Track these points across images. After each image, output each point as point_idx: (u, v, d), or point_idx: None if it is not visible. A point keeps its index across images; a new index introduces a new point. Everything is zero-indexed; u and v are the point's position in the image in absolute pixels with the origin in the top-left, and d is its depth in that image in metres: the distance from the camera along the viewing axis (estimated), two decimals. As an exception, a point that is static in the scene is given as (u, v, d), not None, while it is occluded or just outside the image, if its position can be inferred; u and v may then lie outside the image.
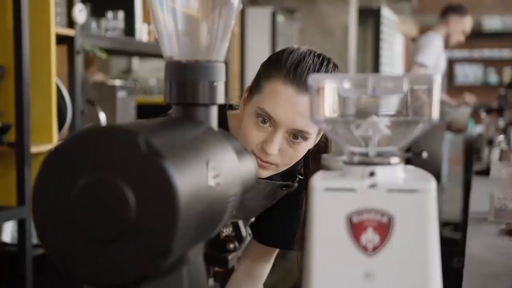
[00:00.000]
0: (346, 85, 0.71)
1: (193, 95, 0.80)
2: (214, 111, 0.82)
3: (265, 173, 1.29)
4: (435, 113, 0.69)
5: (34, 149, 2.37)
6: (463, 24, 4.48)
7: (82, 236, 0.62)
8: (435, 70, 4.44)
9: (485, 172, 2.93)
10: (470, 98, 4.89)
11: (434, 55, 4.36)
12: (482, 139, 4.05)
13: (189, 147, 0.68)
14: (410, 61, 4.44)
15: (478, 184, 2.71)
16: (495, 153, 2.98)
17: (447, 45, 4.54)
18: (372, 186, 0.68)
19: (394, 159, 0.71)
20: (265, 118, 1.24)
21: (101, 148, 0.62)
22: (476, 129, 6.92)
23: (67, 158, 0.62)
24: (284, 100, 1.22)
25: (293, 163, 1.30)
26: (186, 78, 0.80)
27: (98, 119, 2.81)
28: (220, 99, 0.82)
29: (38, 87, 2.43)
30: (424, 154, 0.72)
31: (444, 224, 5.62)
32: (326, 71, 1.26)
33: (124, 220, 0.61)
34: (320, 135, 1.35)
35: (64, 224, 0.63)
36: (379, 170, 0.69)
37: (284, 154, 1.26)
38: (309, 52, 1.28)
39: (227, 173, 0.74)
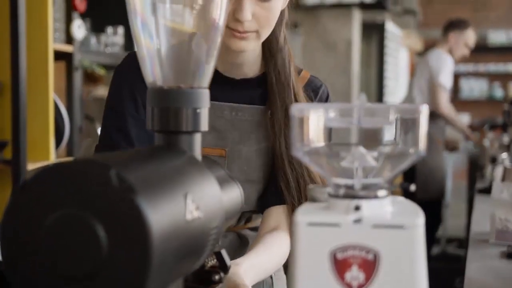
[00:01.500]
0: (331, 114, 0.68)
1: (175, 123, 0.78)
2: (197, 139, 0.79)
3: (248, 44, 1.24)
4: (422, 145, 0.66)
5: (30, 166, 2.35)
6: (465, 38, 4.46)
7: (53, 273, 0.60)
8: (449, 90, 4.48)
9: (488, 190, 2.89)
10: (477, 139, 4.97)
11: (451, 75, 4.38)
12: (485, 156, 4.02)
13: (166, 179, 0.65)
14: (427, 81, 4.40)
15: (480, 203, 2.67)
16: (498, 171, 2.95)
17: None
18: (357, 221, 0.65)
19: (381, 192, 0.68)
20: None
21: (72, 182, 0.59)
22: (470, 146, 6.87)
23: (37, 192, 0.60)
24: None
25: (272, 25, 1.25)
26: (168, 104, 0.78)
27: (96, 135, 2.79)
28: (204, 126, 0.80)
29: (35, 103, 2.42)
30: (412, 187, 0.69)
31: (448, 241, 5.58)
32: None
33: (96, 257, 0.58)
34: None
35: (34, 260, 0.60)
36: (365, 204, 0.67)
37: (259, 18, 1.21)
38: None
39: (208, 205, 0.71)
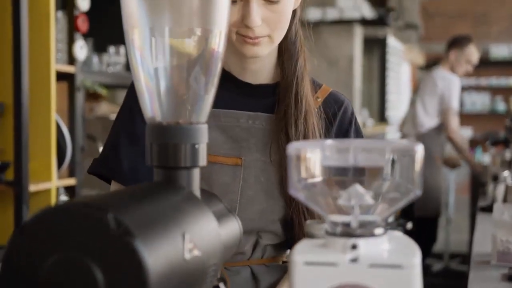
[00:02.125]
0: (328, 153, 0.69)
1: (174, 158, 0.78)
2: (196, 174, 0.80)
3: (261, 49, 1.19)
4: (417, 185, 0.67)
5: (32, 187, 2.35)
6: (466, 55, 4.47)
7: (50, 316, 0.60)
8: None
9: (490, 208, 2.89)
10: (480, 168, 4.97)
11: (459, 96, 4.47)
12: (487, 172, 4.01)
13: (164, 219, 0.66)
14: (440, 105, 4.41)
15: (482, 222, 2.67)
16: (500, 189, 2.95)
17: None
18: (354, 260, 0.66)
19: (378, 230, 0.68)
20: None
21: (70, 226, 0.60)
22: (483, 158, 6.87)
23: (35, 236, 0.60)
24: None
25: (285, 27, 1.19)
26: (167, 140, 0.78)
27: (98, 154, 2.80)
28: (203, 161, 0.80)
29: (37, 124, 2.43)
30: (409, 225, 0.69)
31: (451, 256, 5.56)
32: None
33: (94, 300, 0.59)
34: None
35: (32, 303, 0.61)
36: (362, 242, 0.67)
37: (269, 21, 1.16)
38: None
39: (206, 243, 0.71)
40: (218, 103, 1.24)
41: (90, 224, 0.59)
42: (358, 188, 0.69)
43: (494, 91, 9.93)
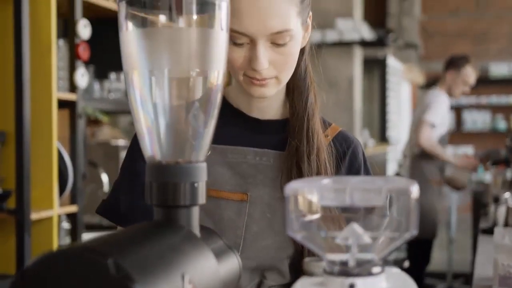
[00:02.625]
0: (325, 194, 0.70)
1: (174, 197, 0.79)
2: (195, 212, 0.81)
3: (269, 90, 1.18)
4: (413, 225, 0.68)
5: (34, 215, 2.36)
6: (462, 76, 4.49)
7: None
8: (441, 127, 4.47)
9: (492, 230, 2.89)
10: (473, 165, 4.90)
11: (441, 113, 4.42)
12: (488, 193, 4.02)
13: (164, 262, 0.67)
14: (418, 118, 4.46)
15: (484, 244, 2.66)
16: (501, 211, 2.95)
17: (451, 96, 4.59)
18: (352, 300, 0.66)
19: (375, 269, 0.69)
20: (238, 37, 1.13)
21: (70, 270, 0.60)
22: (485, 176, 6.86)
23: (36, 280, 0.61)
24: (246, 11, 1.12)
25: (292, 68, 1.19)
26: (166, 180, 0.79)
27: (100, 181, 2.81)
28: (202, 199, 0.81)
29: (39, 152, 2.44)
30: (406, 264, 0.70)
31: (454, 276, 5.54)
32: None
33: None
34: (309, 30, 1.24)
35: None
36: (360, 281, 0.68)
37: (276, 64, 1.16)
38: None
39: (205, 282, 0.72)
40: (226, 139, 1.25)
41: (91, 269, 0.60)
42: (355, 227, 0.70)
43: (495, 109, 9.96)
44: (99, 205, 1.33)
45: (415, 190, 0.67)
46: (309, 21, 1.24)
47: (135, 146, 1.25)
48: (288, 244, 1.22)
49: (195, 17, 0.78)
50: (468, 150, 10.05)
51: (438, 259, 6.61)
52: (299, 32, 1.17)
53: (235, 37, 1.13)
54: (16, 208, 2.32)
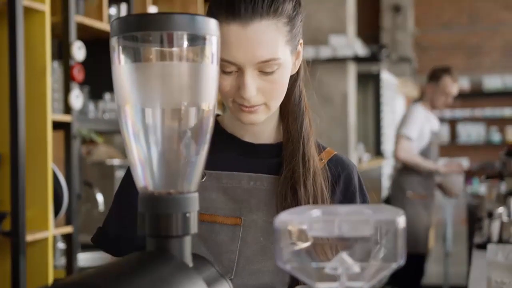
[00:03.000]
0: (314, 225, 0.71)
1: (166, 228, 0.80)
2: (187, 242, 0.82)
3: (258, 117, 1.19)
4: (401, 254, 0.69)
5: (29, 237, 2.37)
6: (441, 87, 4.47)
7: None
8: (420, 140, 4.44)
9: (486, 245, 2.90)
10: (459, 167, 4.87)
11: (418, 126, 4.40)
12: (483, 207, 4.03)
13: (156, 294, 0.68)
14: (397, 132, 4.49)
15: (478, 259, 2.67)
16: (495, 226, 2.96)
17: (435, 109, 4.58)
18: (341, 330, 0.68)
19: (365, 298, 0.70)
20: (227, 65, 1.15)
21: (64, 305, 0.62)
22: (480, 189, 6.87)
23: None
24: (234, 41, 1.13)
25: (282, 95, 1.20)
26: (159, 211, 0.81)
27: (95, 201, 2.82)
28: (194, 229, 0.82)
29: (34, 174, 2.45)
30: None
31: (451, 290, 5.55)
32: None
33: None
34: (300, 57, 1.25)
35: None
36: (349, 310, 0.69)
37: (265, 91, 1.16)
38: None
39: (198, 313, 0.74)
40: (221, 164, 1.26)
41: (84, 304, 0.61)
42: (344, 256, 0.72)
43: (489, 121, 10.01)
44: (94, 234, 1.34)
45: (401, 221, 0.69)
46: (300, 48, 1.25)
47: (129, 175, 1.27)
48: (284, 270, 1.22)
49: (186, 51, 0.80)
50: (463, 162, 10.08)
51: (434, 273, 6.62)
52: (288, 60, 1.18)
53: (223, 66, 1.15)
54: (11, 230, 2.32)
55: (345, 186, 1.29)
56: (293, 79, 1.25)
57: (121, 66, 0.80)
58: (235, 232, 1.22)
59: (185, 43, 0.79)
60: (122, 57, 0.80)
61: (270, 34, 1.13)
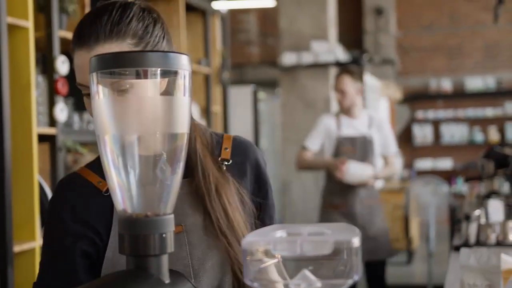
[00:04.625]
0: (278, 246, 0.78)
1: (144, 248, 0.87)
2: (165, 260, 0.88)
3: None
4: (356, 272, 0.76)
5: (17, 248, 2.42)
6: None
7: None
8: (328, 146, 4.22)
9: (464, 247, 2.97)
10: (341, 161, 4.16)
11: (317, 134, 4.19)
12: (462, 208, 4.11)
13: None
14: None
15: (455, 262, 2.74)
16: (473, 228, 3.03)
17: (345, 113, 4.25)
18: None
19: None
20: (84, 89, 1.21)
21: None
22: (463, 188, 6.95)
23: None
24: (82, 65, 1.19)
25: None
26: (137, 232, 0.87)
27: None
28: (170, 248, 0.89)
29: (20, 186, 2.50)
30: (352, 305, 0.78)
31: (435, 290, 5.63)
32: (109, 17, 1.20)
33: None
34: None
35: None
36: (311, 323, 0.76)
37: None
38: (95, 8, 1.24)
39: (173, 327, 0.80)
40: None
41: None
42: (307, 273, 0.79)
43: (472, 122, 10.13)
44: None
45: (356, 241, 0.76)
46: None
47: (56, 215, 1.25)
48: (227, 261, 1.27)
49: (159, 85, 0.86)
50: (447, 162, 10.23)
51: (418, 272, 6.71)
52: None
53: (82, 89, 1.23)
54: (-1, 242, 2.38)
55: (254, 168, 1.35)
56: None
57: (100, 99, 0.87)
58: (181, 239, 1.25)
59: (159, 78, 0.86)
60: (100, 91, 0.86)
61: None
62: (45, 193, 2.59)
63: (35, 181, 2.51)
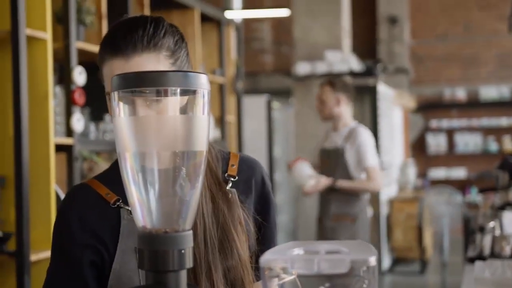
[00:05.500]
0: (295, 264, 0.79)
1: (163, 263, 0.89)
2: (183, 276, 0.90)
3: None
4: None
5: (33, 257, 2.44)
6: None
7: None
8: None
9: (478, 259, 2.96)
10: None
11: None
12: (477, 219, 4.09)
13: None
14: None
15: (469, 274, 2.73)
16: (487, 240, 3.02)
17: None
18: None
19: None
20: None
21: None
22: (477, 198, 6.92)
23: None
24: (113, 74, 1.14)
25: None
26: (157, 248, 0.89)
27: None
28: (189, 263, 0.90)
29: (37, 195, 2.53)
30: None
31: (448, 301, 5.62)
32: (144, 29, 1.22)
33: None
34: None
35: None
36: None
37: None
38: (127, 19, 1.26)
39: None
40: None
41: None
42: (323, 289, 0.80)
43: (486, 131, 10.09)
44: None
45: (373, 259, 0.77)
46: None
47: (66, 225, 1.26)
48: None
49: (179, 104, 0.88)
50: (460, 172, 10.19)
51: (432, 282, 6.69)
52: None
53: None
54: (16, 251, 2.40)
55: (259, 186, 1.36)
56: None
57: (121, 118, 0.89)
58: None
59: (178, 97, 0.88)
60: (121, 109, 0.88)
61: (151, 65, 1.21)
62: (62, 202, 2.62)
63: (52, 190, 2.54)
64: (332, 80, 4.21)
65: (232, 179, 1.32)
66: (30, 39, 2.52)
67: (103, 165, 4.13)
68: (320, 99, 4.14)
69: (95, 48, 2.96)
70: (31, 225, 2.47)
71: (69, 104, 2.72)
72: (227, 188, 1.31)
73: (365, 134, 4.16)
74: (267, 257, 0.80)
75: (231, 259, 1.25)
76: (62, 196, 2.65)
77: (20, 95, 2.43)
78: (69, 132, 2.72)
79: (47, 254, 2.54)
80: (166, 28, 1.25)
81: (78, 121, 2.71)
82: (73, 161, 2.69)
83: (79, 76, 2.73)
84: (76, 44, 2.80)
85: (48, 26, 2.59)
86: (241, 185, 1.33)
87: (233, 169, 1.34)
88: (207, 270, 1.23)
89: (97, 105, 3.01)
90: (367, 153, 4.06)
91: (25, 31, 2.45)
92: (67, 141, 2.69)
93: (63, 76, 2.79)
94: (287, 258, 0.80)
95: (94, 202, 1.27)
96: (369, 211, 4.15)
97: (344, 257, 0.78)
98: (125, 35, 1.21)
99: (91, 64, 3.06)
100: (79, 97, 2.72)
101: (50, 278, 1.27)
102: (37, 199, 2.53)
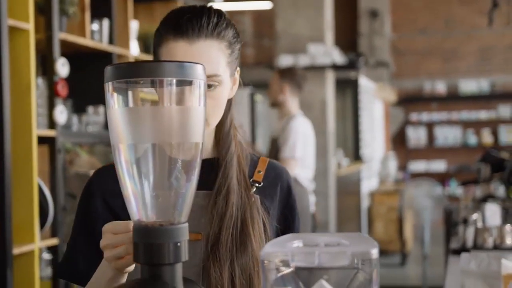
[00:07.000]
0: (296, 257, 0.78)
1: (158, 256, 0.87)
2: (179, 269, 0.88)
3: None
4: (375, 282, 0.76)
5: (16, 250, 2.41)
6: None
7: None
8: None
9: (461, 250, 2.98)
10: None
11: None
12: (458, 211, 4.11)
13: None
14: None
15: (453, 266, 2.74)
16: (470, 232, 3.04)
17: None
18: None
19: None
20: None
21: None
22: (457, 191, 6.96)
23: None
24: (181, 56, 1.21)
25: (220, 113, 1.26)
26: (152, 241, 0.87)
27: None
28: (185, 256, 0.89)
29: (20, 188, 2.50)
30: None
31: (429, 291, 5.65)
32: (209, 17, 1.23)
33: None
34: (237, 84, 1.32)
35: None
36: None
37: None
38: (189, 6, 1.28)
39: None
40: None
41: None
42: (323, 283, 0.79)
43: (465, 124, 10.16)
44: (58, 268, 1.35)
45: (375, 252, 0.76)
46: (237, 75, 1.32)
47: (86, 199, 1.29)
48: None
49: (175, 95, 0.86)
50: (440, 165, 10.26)
51: (413, 274, 6.74)
52: (227, 81, 1.26)
53: None
54: (-2, 244, 2.37)
55: (284, 194, 1.37)
56: (228, 106, 1.31)
57: (115, 109, 0.87)
58: (197, 248, 1.25)
59: (174, 88, 0.86)
60: (115, 101, 0.87)
61: (213, 52, 1.22)
62: (44, 195, 2.59)
63: (35, 183, 2.51)
64: (282, 69, 4.27)
65: (257, 185, 1.33)
66: (12, 30, 2.48)
67: (85, 158, 4.09)
68: (269, 85, 4.20)
69: (78, 39, 2.92)
70: (14, 218, 2.44)
71: (52, 96, 2.68)
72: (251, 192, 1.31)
73: (295, 125, 4.08)
74: (267, 250, 0.78)
75: (246, 256, 1.25)
76: (45, 189, 2.61)
77: (2, 86, 2.39)
78: (52, 124, 2.68)
79: (29, 247, 2.51)
80: (228, 20, 1.27)
81: (61, 113, 2.67)
82: (56, 153, 2.66)
83: (62, 67, 2.69)
84: (59, 35, 2.76)
85: (30, 17, 2.54)
86: (266, 191, 1.34)
87: (259, 175, 1.35)
88: (222, 266, 1.23)
89: (80, 97, 2.98)
90: (285, 144, 4.00)
91: (7, 22, 2.40)
92: (50, 133, 2.66)
93: (46, 68, 2.75)
94: (287, 250, 0.78)
95: (117, 183, 1.26)
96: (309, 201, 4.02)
97: (345, 250, 0.77)
98: (191, 19, 1.22)
99: (74, 55, 3.05)
100: (62, 89, 2.68)
101: (72, 245, 1.30)
102: (20, 192, 2.49)
